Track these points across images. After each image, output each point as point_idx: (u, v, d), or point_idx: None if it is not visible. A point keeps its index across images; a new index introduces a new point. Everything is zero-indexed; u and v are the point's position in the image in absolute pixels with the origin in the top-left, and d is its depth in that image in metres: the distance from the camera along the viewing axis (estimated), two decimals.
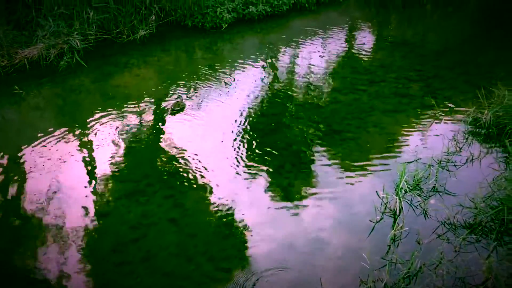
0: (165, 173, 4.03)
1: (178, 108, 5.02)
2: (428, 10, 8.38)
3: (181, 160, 4.18)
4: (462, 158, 4.18)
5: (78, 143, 4.42)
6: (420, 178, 3.83)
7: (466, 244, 3.21)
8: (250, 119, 4.93)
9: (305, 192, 3.82)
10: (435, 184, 3.80)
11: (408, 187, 3.70)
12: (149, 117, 4.95)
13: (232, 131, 4.67)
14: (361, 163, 4.19)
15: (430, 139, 4.54)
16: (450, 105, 5.15)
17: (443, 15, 8.26)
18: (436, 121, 4.83)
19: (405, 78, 5.80)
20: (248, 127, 4.77)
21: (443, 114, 4.96)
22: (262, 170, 4.07)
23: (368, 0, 8.69)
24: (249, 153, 4.32)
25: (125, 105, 5.10)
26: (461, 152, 4.28)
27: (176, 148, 4.39)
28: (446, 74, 5.85)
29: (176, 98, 5.13)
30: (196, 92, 5.45)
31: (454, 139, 4.49)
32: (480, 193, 3.55)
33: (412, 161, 4.12)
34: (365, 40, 7.29)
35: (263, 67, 6.22)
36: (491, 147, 4.36)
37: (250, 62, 6.30)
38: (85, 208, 3.58)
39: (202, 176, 3.96)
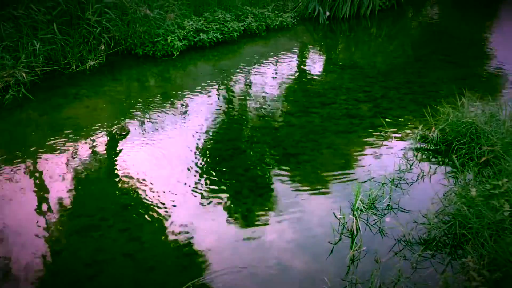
0: (120, 205, 3.92)
1: (124, 133, 4.98)
2: (373, 33, 8.72)
3: (136, 191, 4.09)
4: (414, 175, 4.32)
5: (26, 179, 4.24)
6: (374, 197, 3.91)
7: (423, 260, 3.28)
8: (206, 145, 4.91)
9: (264, 217, 3.81)
10: (389, 202, 3.90)
11: (364, 207, 3.77)
12: (101, 147, 4.83)
13: (188, 159, 4.63)
14: (318, 185, 4.24)
15: (382, 158, 4.66)
16: (399, 124, 5.33)
17: (387, 38, 8.62)
18: (386, 140, 4.98)
19: (354, 100, 5.96)
20: (204, 154, 4.74)
21: (393, 133, 5.12)
22: (220, 197, 4.04)
23: (316, 25, 8.94)
24: (206, 180, 4.28)
25: (75, 137, 4.96)
26: (412, 170, 4.42)
27: (130, 178, 4.29)
28: (393, 94, 6.07)
29: (120, 123, 5.10)
30: (150, 120, 5.39)
31: (404, 157, 4.63)
32: (432, 209, 3.67)
33: (366, 181, 4.22)
34: (315, 63, 7.48)
35: (217, 93, 6.23)
36: (440, 163, 4.52)
37: (203, 89, 6.30)
38: (36, 248, 3.41)
39: (158, 206, 3.88)
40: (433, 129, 4.83)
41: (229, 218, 3.80)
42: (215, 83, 6.53)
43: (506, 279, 2.79)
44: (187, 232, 3.60)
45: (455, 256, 3.30)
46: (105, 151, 4.78)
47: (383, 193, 3.99)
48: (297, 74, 6.92)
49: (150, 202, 3.93)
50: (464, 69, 6.86)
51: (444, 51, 7.56)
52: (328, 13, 9.00)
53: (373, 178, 4.27)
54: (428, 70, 6.84)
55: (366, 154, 4.76)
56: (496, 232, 3.15)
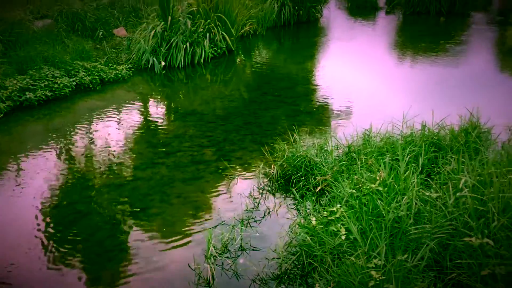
0: None
1: None
2: (208, 80, 9.07)
3: None
4: (261, 213, 4.51)
5: None
6: (227, 241, 3.97)
7: None
8: (44, 213, 4.49)
9: (117, 282, 3.58)
10: (241, 243, 3.98)
11: (217, 252, 3.80)
12: None
13: (25, 229, 4.17)
14: (171, 238, 4.15)
15: (230, 200, 4.79)
16: (242, 164, 5.55)
17: (223, 83, 9.04)
18: (232, 182, 5.14)
19: (198, 146, 6.07)
20: (42, 222, 4.32)
21: (238, 174, 5.31)
22: (67, 266, 3.70)
23: (153, 75, 8.98)
24: (48, 252, 3.89)
25: None
26: (259, 207, 4.61)
27: None
28: (234, 137, 6.33)
29: None
30: None
31: (251, 196, 4.82)
32: (280, 243, 3.85)
33: (217, 225, 4.27)
34: (156, 113, 7.46)
35: (52, 154, 5.79)
36: (283, 198, 4.80)
37: (35, 151, 5.81)
38: None
39: None
40: (272, 166, 5.14)
41: (82, 284, 3.49)
42: (48, 144, 6.08)
43: None
44: None
45: (305, 286, 3.48)
46: None
47: (234, 235, 4.07)
48: (138, 125, 6.81)
49: None
50: (293, 106, 7.49)
51: (274, 92, 8.18)
52: (163, 63, 9.12)
53: (224, 221, 4.34)
54: (263, 110, 7.31)
55: (215, 198, 4.84)
56: (337, 256, 3.41)
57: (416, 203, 3.58)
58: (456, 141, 4.66)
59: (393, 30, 13.41)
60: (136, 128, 6.73)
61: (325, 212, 3.87)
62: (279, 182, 5.04)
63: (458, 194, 3.50)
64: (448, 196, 3.54)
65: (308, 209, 4.35)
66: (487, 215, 3.25)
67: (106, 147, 6.06)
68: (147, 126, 6.84)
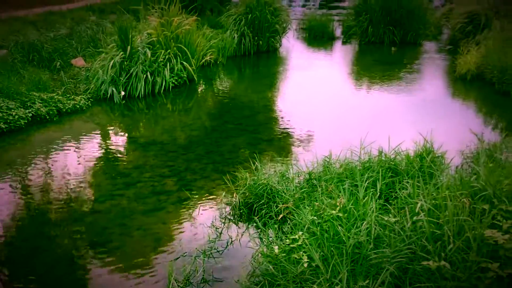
0: None
1: None
2: (170, 109, 9.03)
3: None
4: (223, 243, 4.47)
5: None
6: (189, 273, 3.90)
7: None
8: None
9: None
10: (203, 275, 3.92)
11: (179, 285, 3.72)
12: None
13: None
14: (131, 272, 4.04)
15: (192, 231, 4.73)
16: (204, 194, 5.51)
17: (184, 112, 9.02)
18: (194, 212, 5.09)
19: (159, 176, 6.00)
20: None
21: (199, 204, 5.26)
22: None
23: (112, 105, 8.87)
24: None
25: None
26: (222, 237, 4.57)
27: None
28: (196, 166, 6.29)
29: None
30: None
31: (213, 226, 4.78)
32: (243, 273, 3.82)
33: (179, 257, 4.20)
34: (116, 143, 7.34)
35: (7, 189, 5.58)
36: (245, 227, 4.79)
37: None
38: None
39: None
40: (234, 195, 5.13)
41: None
42: (3, 177, 5.86)
43: None
44: None
45: None
46: None
47: (196, 267, 4.01)
48: (97, 156, 6.68)
49: None
50: (255, 135, 7.54)
51: (235, 120, 8.23)
52: (123, 93, 9.04)
53: (185, 253, 4.28)
54: (224, 139, 7.32)
55: (177, 229, 4.77)
56: (300, 284, 3.41)
57: (375, 228, 3.64)
58: (411, 166, 4.81)
59: (349, 59, 13.83)
60: (94, 159, 6.59)
61: (287, 240, 3.88)
62: (242, 211, 5.02)
63: (415, 218, 3.59)
64: (406, 221, 3.63)
65: (271, 237, 4.35)
66: (443, 238, 3.35)
67: (63, 180, 5.89)
68: (106, 157, 6.71)
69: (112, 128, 8.11)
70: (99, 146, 7.10)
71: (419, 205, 3.68)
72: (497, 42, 10.25)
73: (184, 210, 5.15)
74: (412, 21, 14.79)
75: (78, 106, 8.46)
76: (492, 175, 4.00)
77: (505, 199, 3.67)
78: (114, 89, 8.98)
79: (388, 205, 4.15)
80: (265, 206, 4.85)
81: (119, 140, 7.56)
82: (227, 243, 4.47)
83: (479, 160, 4.74)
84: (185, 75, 10.20)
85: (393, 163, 4.92)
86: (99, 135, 7.65)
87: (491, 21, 12.91)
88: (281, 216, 4.53)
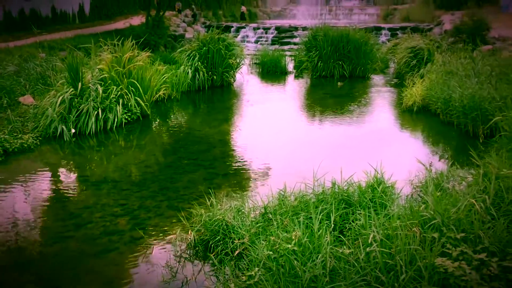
0: None
1: None
2: (122, 146, 8.87)
3: None
4: (178, 283, 4.35)
5: None
6: None
7: None
8: None
9: None
10: None
11: None
12: None
13: None
14: None
15: (146, 272, 4.58)
16: (158, 232, 5.38)
17: (138, 148, 8.88)
18: (148, 251, 4.94)
19: (111, 215, 5.82)
20: None
21: (153, 243, 5.12)
22: None
23: (62, 144, 8.62)
24: None
25: None
26: (177, 277, 4.45)
27: None
28: (150, 203, 6.16)
29: None
30: None
31: (167, 265, 4.65)
32: None
33: None
34: (66, 182, 7.10)
35: None
36: (201, 265, 4.68)
37: None
38: None
39: None
40: (190, 232, 5.03)
41: None
42: None
43: None
44: None
45: None
46: None
47: None
48: (46, 197, 6.42)
49: None
50: (210, 170, 7.50)
51: (191, 155, 8.17)
52: (73, 130, 8.82)
53: None
54: (179, 174, 7.24)
55: (130, 271, 4.61)
56: None
57: (330, 261, 3.66)
58: (364, 197, 4.91)
59: (302, 93, 14.16)
60: (42, 200, 6.33)
61: (243, 277, 3.82)
62: (197, 248, 4.93)
63: (368, 249, 3.64)
64: (360, 252, 3.67)
65: (227, 274, 4.27)
66: (396, 268, 3.40)
67: (10, 223, 5.61)
68: (55, 197, 6.46)
69: (61, 167, 7.85)
70: (48, 186, 6.84)
71: (371, 236, 3.73)
72: (440, 75, 10.81)
73: (137, 250, 4.99)
74: (360, 56, 15.43)
75: (25, 145, 8.17)
76: (440, 204, 4.14)
77: (453, 227, 3.79)
78: (64, 126, 8.76)
79: (342, 237, 4.19)
80: (221, 242, 4.79)
81: (69, 179, 7.31)
82: (182, 283, 4.35)
83: (428, 189, 4.90)
84: (139, 111, 10.10)
85: (346, 195, 5.00)
86: (48, 175, 7.38)
87: (433, 55, 13.65)
88: (237, 252, 4.47)
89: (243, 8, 33.86)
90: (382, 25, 24.45)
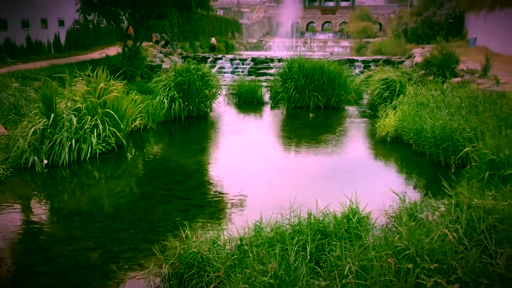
0: None
1: None
2: (96, 177, 8.73)
3: None
4: None
5: None
6: None
7: None
8: None
9: None
10: None
11: None
12: None
13: None
14: None
15: None
16: (131, 266, 5.26)
17: (112, 179, 8.75)
18: (120, 287, 4.81)
19: (83, 249, 5.67)
20: None
21: (126, 277, 5.00)
22: None
23: (34, 175, 8.43)
24: None
25: None
26: None
27: None
28: (123, 236, 6.04)
29: None
30: None
31: None
32: None
33: None
34: (37, 215, 6.90)
35: None
36: None
37: None
38: None
39: None
40: (163, 266, 4.93)
41: None
42: None
43: None
44: None
45: None
46: None
47: None
48: (14, 230, 6.22)
49: None
50: (186, 200, 7.43)
51: (166, 186, 8.09)
52: (45, 161, 8.65)
53: None
54: (154, 206, 7.14)
55: None
56: None
57: None
58: (339, 227, 4.92)
59: (278, 123, 14.29)
60: (11, 233, 6.13)
61: None
62: (171, 282, 4.82)
63: (344, 281, 3.63)
64: (336, 284, 3.66)
65: None
66: None
67: None
68: (25, 230, 6.27)
69: (32, 199, 7.65)
70: (18, 219, 6.64)
71: (347, 268, 3.73)
72: (412, 107, 11.09)
73: (110, 285, 4.86)
74: (334, 87, 15.76)
75: None
76: (413, 234, 4.18)
77: (427, 257, 3.82)
78: (35, 157, 8.58)
79: (318, 268, 4.17)
80: (196, 275, 4.69)
81: (40, 212, 7.12)
82: None
83: (402, 219, 4.95)
84: (113, 141, 9.99)
85: (321, 225, 5.00)
86: (18, 207, 7.18)
87: (405, 87, 14.02)
88: (212, 286, 4.39)
89: (213, 40, 34.49)
90: (356, 58, 25.16)
